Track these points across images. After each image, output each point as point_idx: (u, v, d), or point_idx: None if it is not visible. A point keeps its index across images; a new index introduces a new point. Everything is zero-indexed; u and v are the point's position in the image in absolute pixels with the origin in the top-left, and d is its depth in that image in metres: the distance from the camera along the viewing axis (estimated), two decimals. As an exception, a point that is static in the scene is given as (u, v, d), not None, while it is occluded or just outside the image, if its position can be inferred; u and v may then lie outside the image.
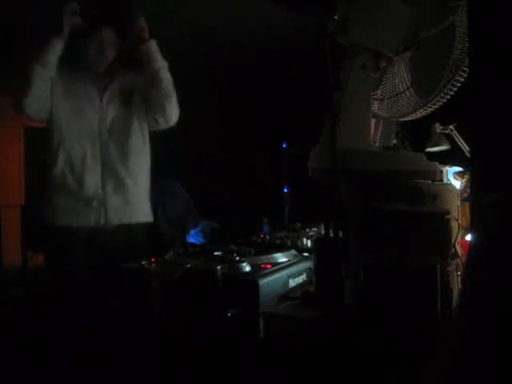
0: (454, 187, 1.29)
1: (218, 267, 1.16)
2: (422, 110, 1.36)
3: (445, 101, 1.30)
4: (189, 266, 1.23)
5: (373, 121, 1.44)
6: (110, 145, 1.91)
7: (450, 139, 2.09)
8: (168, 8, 2.45)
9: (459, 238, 1.16)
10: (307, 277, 1.32)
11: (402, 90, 1.40)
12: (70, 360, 1.11)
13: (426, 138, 2.12)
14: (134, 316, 1.15)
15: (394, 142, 1.62)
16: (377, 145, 1.54)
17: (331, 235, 1.09)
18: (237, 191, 2.75)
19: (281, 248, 1.50)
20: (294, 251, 1.44)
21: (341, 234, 1.09)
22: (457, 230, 1.14)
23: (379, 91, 1.45)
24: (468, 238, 1.23)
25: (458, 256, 1.11)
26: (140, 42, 1.87)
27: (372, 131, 1.39)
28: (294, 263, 1.33)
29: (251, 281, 1.13)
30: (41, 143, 1.93)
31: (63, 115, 1.89)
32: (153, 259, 1.32)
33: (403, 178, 1.20)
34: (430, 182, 1.23)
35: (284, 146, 2.64)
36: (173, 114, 2.00)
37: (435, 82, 1.30)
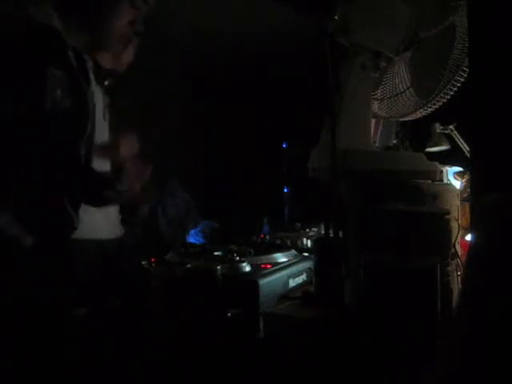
0: (453, 187, 1.29)
1: (218, 267, 1.16)
2: (422, 110, 1.36)
3: (445, 101, 1.31)
4: (189, 266, 1.24)
5: (373, 121, 1.44)
6: None
7: (450, 139, 2.09)
8: (168, 8, 2.45)
9: (459, 238, 1.16)
10: (307, 277, 1.32)
11: (402, 90, 1.41)
12: (69, 360, 1.11)
13: (426, 138, 2.12)
14: (134, 316, 1.16)
15: (394, 142, 1.62)
16: (377, 145, 1.54)
17: (331, 235, 1.09)
18: (237, 191, 2.75)
19: (281, 248, 1.50)
20: (293, 251, 1.44)
21: (341, 234, 1.09)
22: (457, 230, 1.14)
23: (379, 91, 1.45)
24: (468, 238, 1.23)
25: (457, 256, 1.11)
26: None
27: (372, 131, 1.39)
28: (294, 263, 1.33)
29: (251, 281, 1.13)
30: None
31: None
32: (153, 259, 1.32)
33: (403, 178, 1.20)
34: (429, 182, 1.23)
35: (284, 145, 2.64)
36: None
37: (435, 82, 1.30)
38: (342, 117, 1.21)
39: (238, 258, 1.26)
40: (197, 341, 1.12)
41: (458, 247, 1.15)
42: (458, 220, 1.16)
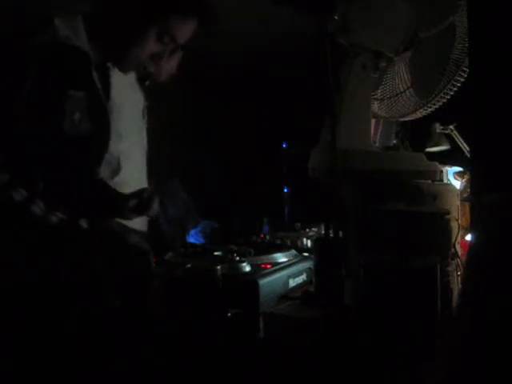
0: (453, 187, 1.29)
1: (218, 267, 1.16)
2: (422, 110, 1.36)
3: (445, 101, 1.31)
4: (189, 266, 1.24)
5: (373, 121, 1.44)
6: None
7: (450, 139, 2.09)
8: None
9: (459, 238, 1.16)
10: (307, 277, 1.32)
11: (401, 89, 1.41)
12: (69, 360, 1.11)
13: (426, 138, 2.12)
14: (134, 316, 1.16)
15: (394, 142, 1.62)
16: (377, 145, 1.54)
17: (331, 235, 1.09)
18: (237, 191, 2.75)
19: (281, 248, 1.50)
20: (293, 251, 1.44)
21: (341, 234, 1.09)
22: (457, 230, 1.14)
23: (379, 91, 1.45)
24: (468, 238, 1.23)
25: (457, 256, 1.11)
26: None
27: (372, 131, 1.39)
28: (294, 263, 1.33)
29: (251, 281, 1.13)
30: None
31: None
32: (153, 259, 1.32)
33: (403, 178, 1.20)
34: (429, 182, 1.23)
35: (284, 145, 2.64)
36: None
37: (435, 82, 1.30)
38: (342, 117, 1.21)
39: (237, 258, 1.26)
40: (197, 341, 1.12)
41: (458, 247, 1.15)
42: (457, 220, 1.16)
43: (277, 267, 1.27)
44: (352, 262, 1.06)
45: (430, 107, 1.34)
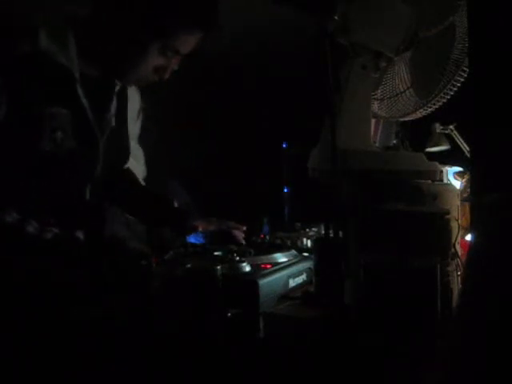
0: (453, 187, 1.29)
1: (218, 267, 1.16)
2: (422, 110, 1.36)
3: (445, 101, 1.31)
4: (189, 266, 1.23)
5: (373, 121, 1.44)
6: None
7: (450, 139, 2.09)
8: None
9: (459, 238, 1.16)
10: (307, 277, 1.32)
11: (402, 90, 1.40)
12: (69, 359, 1.11)
13: (426, 138, 2.12)
14: (134, 316, 1.16)
15: (394, 141, 1.62)
16: (377, 145, 1.54)
17: (331, 235, 1.09)
18: (237, 191, 2.75)
19: (281, 248, 1.50)
20: (293, 251, 1.44)
21: (341, 234, 1.09)
22: (457, 230, 1.14)
23: (379, 91, 1.45)
24: (468, 238, 1.23)
25: (458, 256, 1.11)
26: None
27: (372, 131, 1.39)
28: (294, 263, 1.33)
29: (251, 281, 1.13)
30: None
31: None
32: (153, 259, 1.32)
33: (403, 177, 1.20)
34: (429, 182, 1.23)
35: (284, 145, 2.64)
36: None
37: (435, 82, 1.30)
38: (342, 117, 1.21)
39: (237, 258, 1.25)
40: (197, 341, 1.12)
41: (458, 247, 1.15)
42: (458, 220, 1.16)
43: (277, 267, 1.27)
44: (352, 262, 1.06)
45: (430, 107, 1.34)
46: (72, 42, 1.16)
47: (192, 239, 2.15)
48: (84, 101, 1.19)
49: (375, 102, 1.45)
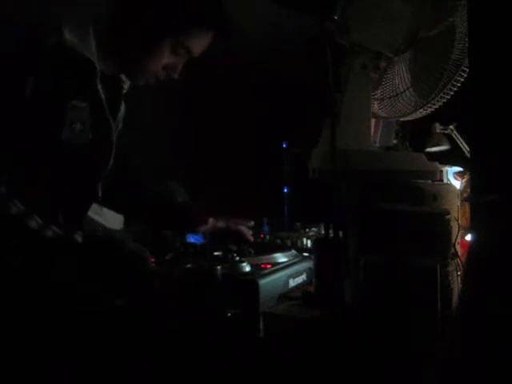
0: (454, 187, 1.29)
1: (218, 267, 1.16)
2: (422, 110, 1.36)
3: (445, 101, 1.31)
4: (189, 266, 1.23)
5: (373, 121, 1.44)
6: None
7: (450, 139, 2.09)
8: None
9: (459, 238, 1.16)
10: (307, 277, 1.32)
11: (402, 90, 1.40)
12: (69, 359, 1.11)
13: (426, 138, 2.12)
14: (134, 316, 1.16)
15: (394, 141, 1.62)
16: (377, 145, 1.54)
17: (331, 235, 1.09)
18: (237, 191, 2.75)
19: (281, 248, 1.50)
20: (294, 251, 1.44)
21: (341, 233, 1.09)
22: (457, 230, 1.14)
23: (379, 91, 1.45)
24: (468, 238, 1.23)
25: (457, 256, 1.11)
26: None
27: (372, 131, 1.39)
28: (293, 263, 1.33)
29: (251, 281, 1.13)
30: None
31: None
32: (153, 259, 1.32)
33: (403, 177, 1.20)
34: (429, 182, 1.23)
35: (284, 145, 2.64)
36: None
37: (435, 82, 1.30)
38: (342, 117, 1.21)
39: (237, 258, 1.26)
40: (197, 341, 1.12)
41: (457, 247, 1.15)
42: (457, 220, 1.16)
43: (277, 267, 1.27)
44: (352, 262, 1.06)
45: (430, 107, 1.34)
46: (92, 38, 1.19)
47: (192, 239, 2.15)
48: (102, 96, 1.20)
49: (375, 102, 1.45)
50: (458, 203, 1.20)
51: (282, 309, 1.13)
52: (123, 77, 1.32)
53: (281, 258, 1.36)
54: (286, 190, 2.63)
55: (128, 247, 1.22)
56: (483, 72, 0.91)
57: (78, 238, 1.18)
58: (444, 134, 2.09)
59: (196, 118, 2.83)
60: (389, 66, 1.39)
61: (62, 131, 1.14)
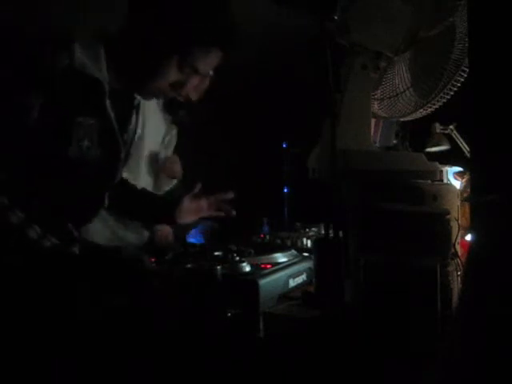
0: (454, 187, 1.29)
1: (218, 267, 1.16)
2: (422, 110, 1.36)
3: (445, 101, 1.31)
4: (189, 266, 1.23)
5: (373, 121, 1.44)
6: None
7: (450, 139, 2.09)
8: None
9: (459, 238, 1.16)
10: (307, 277, 1.32)
11: (402, 90, 1.40)
12: (69, 359, 1.11)
13: (426, 138, 2.12)
14: (134, 316, 1.16)
15: (394, 141, 1.62)
16: (377, 145, 1.54)
17: (331, 235, 1.09)
18: (237, 191, 2.75)
19: (281, 248, 1.50)
20: (293, 251, 1.44)
21: (341, 233, 1.09)
22: (457, 230, 1.14)
23: (379, 91, 1.45)
24: (468, 237, 1.23)
25: (457, 256, 1.11)
26: None
27: (372, 131, 1.39)
28: (294, 263, 1.33)
29: (251, 281, 1.13)
30: None
31: None
32: (153, 259, 1.32)
33: (403, 178, 1.20)
34: (429, 182, 1.23)
35: (284, 145, 2.64)
36: None
37: (435, 82, 1.30)
38: (342, 117, 1.21)
39: (237, 258, 1.25)
40: (197, 341, 1.12)
41: (458, 247, 1.15)
42: (457, 220, 1.16)
43: (277, 267, 1.27)
44: (352, 262, 1.06)
45: (430, 107, 1.34)
46: (103, 55, 1.20)
47: (192, 239, 2.15)
48: (111, 113, 1.22)
49: (375, 102, 1.45)
50: (458, 203, 1.20)
51: (282, 309, 1.13)
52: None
53: (281, 257, 1.36)
54: (286, 190, 2.63)
55: (125, 252, 1.23)
56: (483, 72, 0.91)
57: (75, 249, 1.20)
58: (444, 133, 2.09)
59: (195, 118, 2.83)
60: (389, 66, 1.39)
61: (70, 148, 1.16)
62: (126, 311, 1.15)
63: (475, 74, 0.95)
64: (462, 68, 1.24)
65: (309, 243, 1.61)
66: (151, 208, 1.60)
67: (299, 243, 1.63)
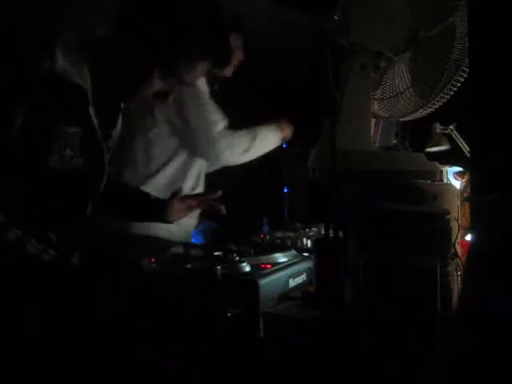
0: (454, 187, 1.29)
1: (218, 267, 1.16)
2: (422, 110, 1.36)
3: (445, 101, 1.31)
4: (189, 266, 1.23)
5: (373, 121, 1.44)
6: None
7: (450, 139, 2.09)
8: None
9: (459, 238, 1.16)
10: (307, 277, 1.32)
11: (402, 90, 1.41)
12: (69, 359, 1.11)
13: (426, 138, 2.12)
14: (134, 316, 1.16)
15: (394, 141, 1.62)
16: (377, 145, 1.54)
17: (331, 235, 1.09)
18: (237, 191, 2.75)
19: (281, 248, 1.50)
20: (294, 251, 1.44)
21: (341, 233, 1.09)
22: (457, 230, 1.14)
23: (379, 91, 1.45)
24: (468, 237, 1.23)
25: (457, 256, 1.11)
26: None
27: (372, 131, 1.39)
28: (294, 263, 1.33)
29: (251, 281, 1.13)
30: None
31: None
32: (153, 259, 1.32)
33: (403, 178, 1.20)
34: (429, 182, 1.23)
35: (284, 145, 2.64)
36: None
37: (435, 82, 1.30)
38: (342, 117, 1.21)
39: (237, 258, 1.25)
40: (197, 341, 1.12)
41: (457, 247, 1.15)
42: (457, 220, 1.16)
43: (277, 267, 1.27)
44: (352, 262, 1.06)
45: (430, 107, 1.34)
46: (85, 61, 1.18)
47: (192, 239, 2.14)
48: (94, 120, 1.21)
49: (375, 102, 1.45)
50: (458, 203, 1.20)
51: (281, 309, 1.13)
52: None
53: (281, 257, 1.36)
54: (286, 190, 2.63)
55: (123, 255, 1.23)
56: (483, 72, 0.91)
57: (75, 260, 1.20)
58: (444, 133, 2.09)
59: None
60: (389, 66, 1.39)
61: (51, 158, 1.15)
62: (126, 311, 1.15)
63: (475, 74, 0.95)
64: (462, 68, 1.24)
65: (309, 243, 1.61)
66: (143, 207, 1.59)
67: (299, 243, 1.63)
